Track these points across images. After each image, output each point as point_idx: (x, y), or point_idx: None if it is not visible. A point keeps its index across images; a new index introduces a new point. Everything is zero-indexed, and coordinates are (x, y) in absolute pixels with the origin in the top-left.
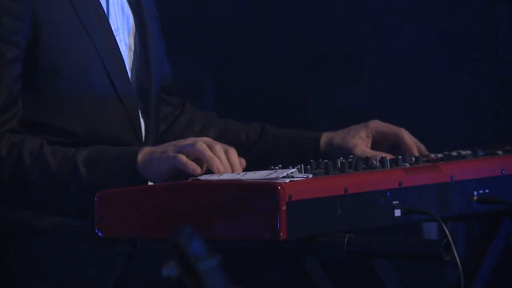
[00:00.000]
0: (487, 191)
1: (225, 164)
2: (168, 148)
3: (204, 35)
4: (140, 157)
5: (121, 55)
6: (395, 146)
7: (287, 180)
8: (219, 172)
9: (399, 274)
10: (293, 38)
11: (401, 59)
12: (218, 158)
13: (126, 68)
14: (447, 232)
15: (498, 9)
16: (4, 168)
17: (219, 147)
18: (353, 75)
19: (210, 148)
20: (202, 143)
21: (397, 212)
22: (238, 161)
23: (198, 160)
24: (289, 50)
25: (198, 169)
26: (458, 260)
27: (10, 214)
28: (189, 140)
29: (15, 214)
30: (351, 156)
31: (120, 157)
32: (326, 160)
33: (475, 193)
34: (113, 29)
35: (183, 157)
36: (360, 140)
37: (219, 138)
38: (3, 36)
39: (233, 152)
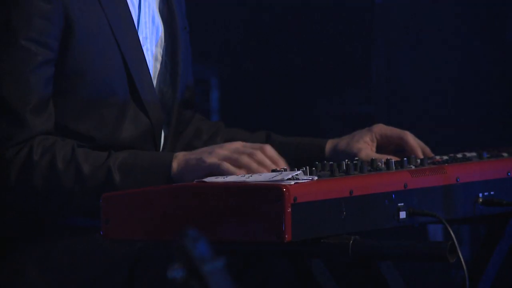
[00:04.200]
0: (492, 193)
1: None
2: (204, 155)
3: (209, 38)
4: (175, 165)
5: (147, 64)
6: (400, 149)
7: (292, 182)
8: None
9: (404, 276)
10: (299, 41)
11: (406, 62)
12: (264, 166)
13: (151, 78)
14: (452, 234)
15: (507, 9)
16: (37, 172)
17: (260, 153)
18: (358, 78)
19: (251, 156)
20: (246, 157)
21: (402, 214)
22: (277, 155)
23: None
24: (294, 53)
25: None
26: (463, 262)
27: (18, 217)
28: (227, 150)
29: (22, 217)
30: (356, 158)
31: (154, 165)
32: (331, 162)
33: (480, 195)
34: (141, 38)
35: (229, 166)
36: (364, 144)
37: None
38: (36, 38)
39: (270, 149)
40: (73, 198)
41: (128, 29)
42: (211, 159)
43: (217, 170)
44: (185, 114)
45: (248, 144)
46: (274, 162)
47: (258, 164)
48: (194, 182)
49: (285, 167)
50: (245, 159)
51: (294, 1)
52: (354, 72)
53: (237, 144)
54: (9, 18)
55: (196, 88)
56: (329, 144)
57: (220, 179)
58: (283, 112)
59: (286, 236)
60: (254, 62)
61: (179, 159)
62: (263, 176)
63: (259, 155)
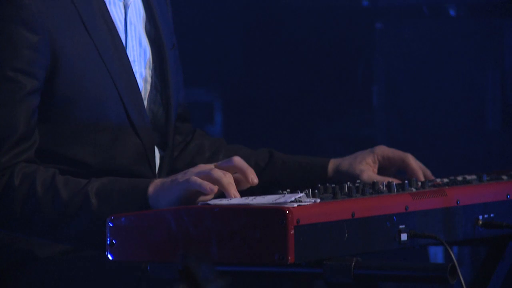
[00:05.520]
0: (492, 215)
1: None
2: (178, 175)
3: (213, 62)
4: (151, 189)
5: (138, 86)
6: (401, 171)
7: (295, 205)
8: (236, 197)
9: None
10: (300, 64)
11: (407, 85)
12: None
13: (142, 100)
14: (453, 256)
15: (503, 34)
16: (17, 197)
17: (229, 175)
18: (360, 101)
19: (226, 175)
20: (217, 171)
21: (404, 236)
22: (245, 165)
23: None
24: (296, 75)
25: (214, 188)
26: (463, 283)
27: (12, 243)
28: (201, 167)
29: (17, 243)
30: (358, 181)
31: (131, 190)
32: (334, 185)
33: (480, 217)
34: (129, 61)
35: (196, 178)
36: (366, 166)
37: None
38: (23, 68)
39: (238, 159)
40: (52, 223)
41: (116, 52)
42: (184, 177)
43: (188, 185)
44: (183, 128)
45: (221, 163)
46: (242, 172)
47: (229, 179)
48: (199, 204)
49: (255, 179)
50: (218, 173)
51: (295, 26)
52: (356, 95)
53: (212, 165)
54: None
55: (200, 111)
56: (332, 164)
57: (224, 201)
58: (286, 135)
59: (290, 257)
60: (257, 85)
61: (156, 183)
62: (267, 199)
63: (229, 177)
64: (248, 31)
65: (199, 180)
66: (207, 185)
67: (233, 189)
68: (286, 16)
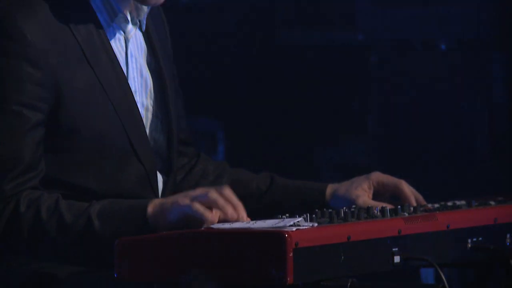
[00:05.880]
0: (480, 239)
1: (240, 209)
2: (179, 198)
3: (217, 92)
4: (150, 209)
5: (140, 115)
6: (395, 197)
7: (294, 229)
8: (233, 218)
9: None
10: (300, 96)
11: (400, 115)
12: (231, 204)
13: (145, 129)
14: (443, 277)
15: (491, 67)
16: (23, 223)
17: (228, 192)
18: (356, 129)
19: (222, 196)
20: (214, 192)
21: (397, 259)
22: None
23: (211, 208)
24: (296, 106)
25: (215, 219)
26: None
27: (28, 264)
28: (200, 191)
29: (33, 264)
30: (353, 206)
31: (130, 210)
32: (330, 210)
33: (469, 240)
34: (132, 91)
35: (199, 206)
36: (362, 191)
37: (231, 187)
38: (27, 102)
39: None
40: (58, 246)
41: (118, 84)
42: (184, 201)
43: (189, 211)
44: (188, 151)
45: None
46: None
47: (225, 200)
48: (203, 228)
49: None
50: (214, 194)
51: (295, 59)
52: (352, 124)
53: (209, 188)
54: (1, 86)
55: (203, 140)
56: (329, 189)
57: (226, 225)
58: (286, 164)
59: (288, 279)
60: (258, 116)
61: (155, 203)
62: (267, 223)
63: (227, 192)
64: (250, 63)
65: (201, 209)
66: (209, 215)
67: (230, 210)
68: (286, 50)
